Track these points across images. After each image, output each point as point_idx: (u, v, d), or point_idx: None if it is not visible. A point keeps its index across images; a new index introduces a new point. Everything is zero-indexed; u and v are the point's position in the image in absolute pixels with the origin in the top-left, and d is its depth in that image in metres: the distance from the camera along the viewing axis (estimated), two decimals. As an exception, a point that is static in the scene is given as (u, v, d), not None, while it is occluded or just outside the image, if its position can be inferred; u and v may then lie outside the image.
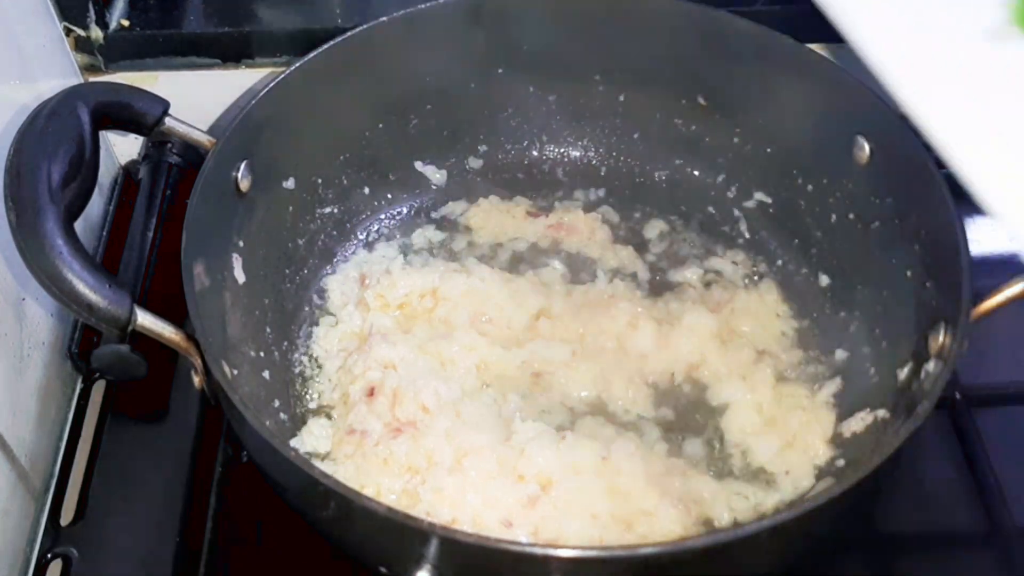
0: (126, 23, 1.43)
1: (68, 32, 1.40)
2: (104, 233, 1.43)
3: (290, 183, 1.28)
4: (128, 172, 1.52)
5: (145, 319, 0.98)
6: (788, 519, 0.88)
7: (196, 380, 1.03)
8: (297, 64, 1.22)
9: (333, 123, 1.32)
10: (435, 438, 1.13)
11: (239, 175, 1.16)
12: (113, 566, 1.11)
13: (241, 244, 1.18)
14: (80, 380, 1.30)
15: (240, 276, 1.18)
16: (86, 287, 0.94)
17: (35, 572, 1.12)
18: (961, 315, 0.99)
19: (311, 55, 1.23)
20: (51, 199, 0.95)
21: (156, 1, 1.46)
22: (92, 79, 1.45)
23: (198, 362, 1.00)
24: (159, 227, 1.35)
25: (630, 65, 1.37)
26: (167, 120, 1.13)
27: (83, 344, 1.29)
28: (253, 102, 1.17)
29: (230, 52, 1.44)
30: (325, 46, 1.24)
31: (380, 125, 1.37)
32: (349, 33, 1.25)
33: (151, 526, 1.13)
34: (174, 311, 1.04)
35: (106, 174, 1.50)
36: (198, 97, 1.41)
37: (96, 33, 1.41)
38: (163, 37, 1.43)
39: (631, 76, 1.39)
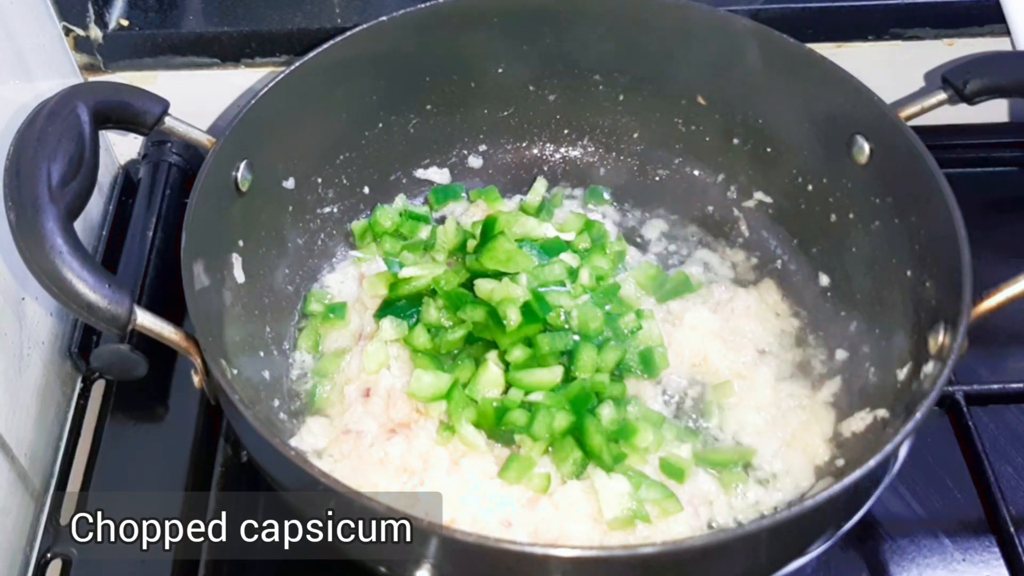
0: (125, 23, 1.43)
1: (67, 32, 1.40)
2: (104, 233, 1.43)
3: (290, 183, 1.28)
4: (128, 172, 1.52)
5: (145, 318, 0.98)
6: (787, 519, 0.88)
7: (196, 379, 1.03)
8: (297, 64, 1.22)
9: (333, 123, 1.32)
10: (429, 439, 1.13)
11: (239, 175, 1.16)
12: (113, 566, 1.11)
13: (241, 244, 1.18)
14: (80, 379, 1.30)
15: (240, 276, 1.18)
16: (86, 286, 0.93)
17: (35, 572, 1.12)
18: (961, 315, 0.99)
19: (311, 55, 1.23)
20: (51, 199, 0.95)
21: (155, 1, 1.46)
22: (91, 79, 1.45)
23: (198, 361, 1.00)
24: (159, 227, 1.35)
25: (630, 65, 1.37)
26: (167, 119, 1.12)
27: (83, 343, 1.29)
28: (253, 102, 1.17)
29: (229, 52, 1.44)
30: (325, 46, 1.23)
31: (380, 125, 1.37)
32: (348, 33, 1.25)
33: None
34: (174, 310, 1.04)
35: (106, 174, 1.50)
36: (197, 97, 1.42)
37: (95, 33, 1.40)
38: (162, 37, 1.43)
39: (631, 76, 1.39)
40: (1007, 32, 1.44)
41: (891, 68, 1.43)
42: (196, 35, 1.44)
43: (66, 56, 1.41)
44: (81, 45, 1.42)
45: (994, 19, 1.43)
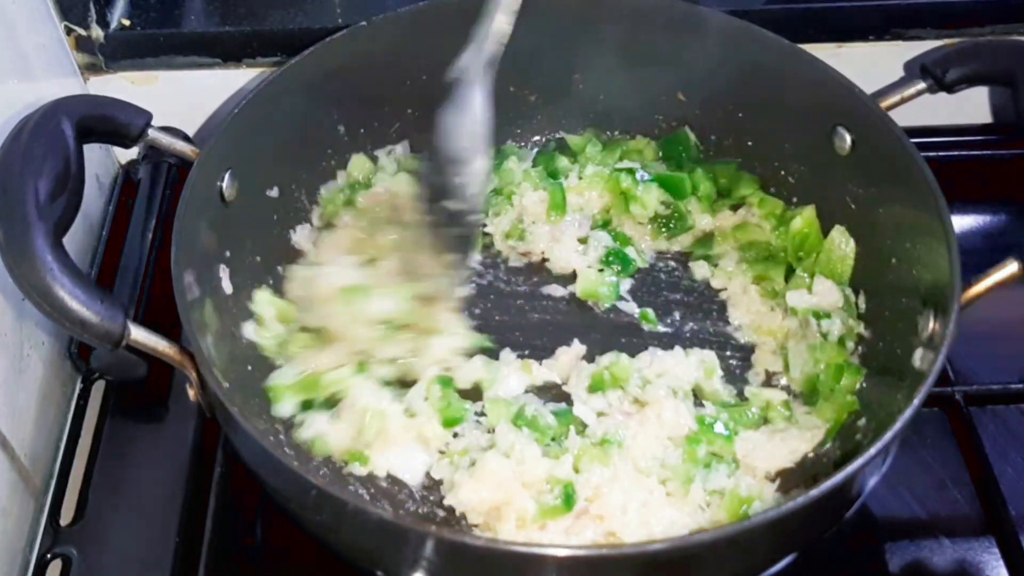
0: (127, 22, 1.43)
1: (69, 31, 1.40)
2: (104, 233, 1.43)
3: (274, 192, 1.28)
4: (128, 172, 1.52)
5: (139, 334, 0.98)
6: (787, 515, 0.88)
7: (191, 393, 1.03)
8: (278, 72, 1.21)
9: (319, 129, 1.32)
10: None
11: (224, 185, 1.15)
12: (113, 566, 1.11)
13: (228, 255, 1.18)
14: (80, 380, 1.30)
15: (228, 287, 1.17)
16: (78, 303, 0.93)
17: (35, 572, 1.12)
18: (951, 301, 0.99)
19: (292, 62, 1.22)
20: (39, 215, 0.94)
21: (157, 1, 1.46)
22: (93, 78, 1.45)
23: (193, 375, 1.00)
24: (158, 228, 1.35)
25: (624, 65, 1.36)
26: (150, 131, 1.12)
27: (83, 344, 1.29)
28: (235, 111, 1.16)
29: (231, 52, 1.44)
30: (309, 50, 1.23)
31: (362, 131, 1.37)
32: (330, 38, 1.25)
33: (151, 526, 1.13)
34: (174, 315, 1.03)
35: (106, 174, 1.50)
36: (199, 97, 1.42)
37: (97, 32, 1.40)
38: (164, 36, 1.43)
39: (624, 76, 1.37)
40: (1007, 32, 1.44)
41: (891, 68, 1.43)
42: (198, 35, 1.43)
43: (67, 56, 1.41)
44: (82, 45, 1.42)
45: (994, 19, 1.43)
